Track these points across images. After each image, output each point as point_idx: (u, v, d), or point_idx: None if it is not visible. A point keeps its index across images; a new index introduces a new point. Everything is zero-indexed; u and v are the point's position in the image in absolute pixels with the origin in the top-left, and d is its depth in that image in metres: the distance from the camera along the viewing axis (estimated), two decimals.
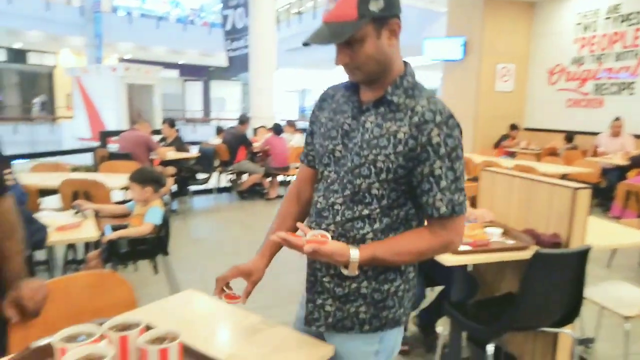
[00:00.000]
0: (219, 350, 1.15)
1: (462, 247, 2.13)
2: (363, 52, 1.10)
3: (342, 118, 1.22)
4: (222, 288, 1.28)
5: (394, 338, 1.28)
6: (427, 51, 9.20)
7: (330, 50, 1.14)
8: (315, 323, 1.27)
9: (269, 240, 1.32)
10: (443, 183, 1.12)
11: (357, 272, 1.14)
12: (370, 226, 1.18)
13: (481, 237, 2.19)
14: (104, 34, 16.18)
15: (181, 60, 22.29)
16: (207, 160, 6.34)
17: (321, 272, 1.25)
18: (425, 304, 2.71)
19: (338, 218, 1.21)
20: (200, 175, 6.35)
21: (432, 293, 2.87)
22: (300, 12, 18.75)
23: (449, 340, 2.37)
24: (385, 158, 1.13)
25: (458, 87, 8.79)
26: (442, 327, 2.40)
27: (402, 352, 2.69)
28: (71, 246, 3.60)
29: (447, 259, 2.05)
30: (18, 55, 19.88)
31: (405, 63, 1.20)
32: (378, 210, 1.18)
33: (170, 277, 3.04)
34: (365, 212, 1.18)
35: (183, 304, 1.49)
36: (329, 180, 1.23)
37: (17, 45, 18.63)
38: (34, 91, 19.90)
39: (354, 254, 1.12)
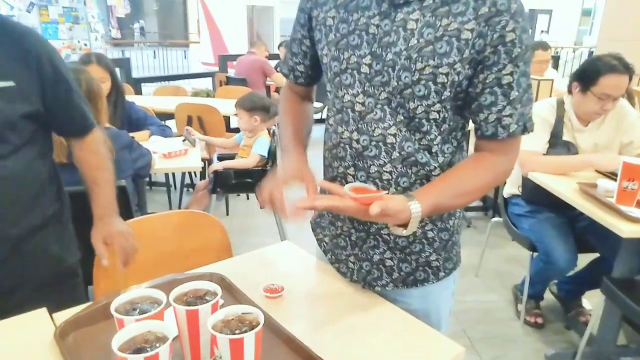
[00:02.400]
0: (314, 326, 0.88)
1: None
2: None
3: (364, 17, 0.89)
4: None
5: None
6: None
7: None
8: (378, 282, 1.05)
9: (296, 142, 1.07)
10: (514, 93, 0.86)
11: (415, 230, 0.86)
12: (435, 160, 0.94)
13: None
14: None
15: None
16: (322, 88, 6.04)
17: (377, 224, 0.99)
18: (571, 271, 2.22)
19: (395, 154, 0.92)
20: (316, 104, 6.11)
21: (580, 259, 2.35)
22: None
23: (601, 322, 1.92)
24: (450, 69, 0.84)
25: (630, 2, 7.12)
26: (591, 303, 1.93)
27: (535, 325, 2.27)
28: None
29: (625, 229, 1.53)
30: None
31: None
32: (439, 138, 0.93)
33: (274, 211, 2.89)
34: (425, 142, 0.92)
35: (279, 257, 1.25)
36: (361, 108, 0.93)
37: None
38: (171, 17, 21.32)
39: (415, 206, 0.83)
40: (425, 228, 1.00)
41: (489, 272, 2.79)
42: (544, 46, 3.93)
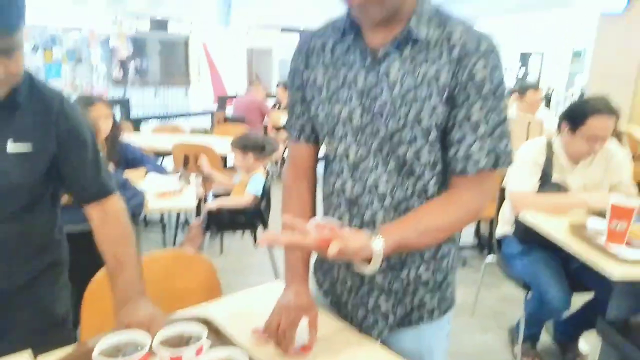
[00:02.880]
0: None
1: (635, 255, 1.58)
2: None
3: (351, 73, 0.94)
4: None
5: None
6: (578, 2, 7.81)
7: None
8: (374, 328, 1.05)
9: (295, 258, 1.08)
10: (482, 129, 0.88)
11: (377, 268, 0.85)
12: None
13: None
14: (232, 0, 16.79)
15: (302, 26, 22.50)
16: None
17: None
18: (567, 312, 2.20)
19: (387, 201, 0.95)
20: None
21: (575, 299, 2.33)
22: None
23: None
24: (432, 111, 0.88)
25: (615, 45, 7.35)
26: (588, 344, 1.90)
27: None
28: None
29: (615, 272, 1.53)
30: (160, 25, 21.87)
31: None
32: (434, 180, 0.95)
33: (269, 250, 2.89)
34: (419, 185, 0.95)
35: (269, 297, 1.24)
36: (354, 158, 0.96)
37: (159, 16, 20.44)
38: (172, 58, 21.90)
39: (378, 244, 0.83)
40: (420, 270, 1.01)
41: (484, 312, 2.75)
42: (535, 87, 4.04)
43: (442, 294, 1.06)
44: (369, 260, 0.83)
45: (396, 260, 1.01)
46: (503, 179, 2.27)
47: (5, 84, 0.96)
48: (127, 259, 1.10)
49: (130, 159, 2.58)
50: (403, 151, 0.92)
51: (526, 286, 2.13)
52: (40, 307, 1.18)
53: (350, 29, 0.94)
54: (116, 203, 1.18)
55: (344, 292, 1.07)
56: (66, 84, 6.03)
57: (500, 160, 0.90)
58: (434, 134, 0.90)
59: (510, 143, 0.92)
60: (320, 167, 1.09)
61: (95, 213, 1.14)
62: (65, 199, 1.57)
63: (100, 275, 1.25)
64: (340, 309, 1.11)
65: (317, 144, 1.10)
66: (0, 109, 0.99)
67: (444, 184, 0.96)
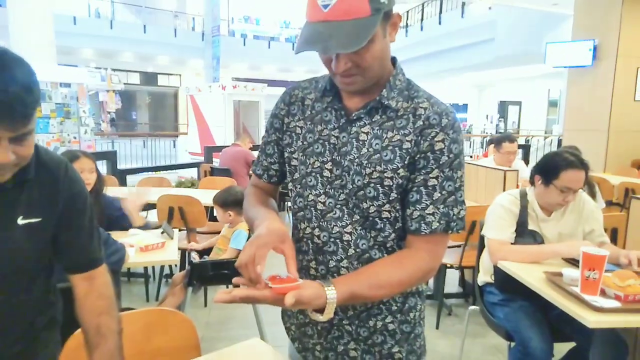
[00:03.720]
0: None
1: (609, 303, 1.61)
2: (370, 55, 0.90)
3: (326, 130, 1.03)
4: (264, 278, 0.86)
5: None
6: (550, 58, 8.24)
7: None
8: None
9: (268, 211, 1.02)
10: (437, 195, 0.96)
11: (332, 316, 0.88)
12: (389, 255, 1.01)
13: (638, 291, 1.64)
14: (221, 55, 17.38)
15: (289, 78, 23.25)
16: None
17: (338, 315, 1.04)
18: None
19: (351, 251, 1.01)
20: None
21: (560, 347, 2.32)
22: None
23: None
24: (393, 174, 0.96)
25: (586, 97, 7.69)
26: None
27: None
28: None
29: (591, 319, 1.55)
30: (150, 78, 22.36)
31: (393, 58, 1.01)
32: (393, 235, 1.01)
33: (253, 305, 2.86)
34: (380, 239, 1.01)
35: (246, 356, 1.24)
36: (323, 207, 1.02)
37: (149, 69, 20.96)
38: (162, 109, 22.27)
39: (331, 293, 0.86)
40: (386, 320, 1.05)
41: None
42: (511, 139, 4.17)
43: (410, 346, 1.08)
44: (322, 310, 0.86)
45: (362, 309, 1.04)
46: (482, 228, 2.32)
47: (16, 167, 0.97)
48: (108, 332, 1.10)
49: (114, 216, 2.60)
50: (366, 206, 0.99)
51: (509, 336, 2.13)
52: None
53: (330, 89, 1.03)
54: (103, 275, 1.18)
55: (314, 334, 1.09)
56: (53, 138, 6.07)
57: (451, 224, 0.97)
58: (393, 194, 0.98)
59: (464, 210, 0.99)
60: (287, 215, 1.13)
61: (80, 283, 1.14)
62: None
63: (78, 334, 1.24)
64: (307, 354, 1.12)
65: (278, 184, 1.17)
66: (10, 189, 1.00)
67: (402, 239, 1.03)
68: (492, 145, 4.39)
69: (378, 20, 0.87)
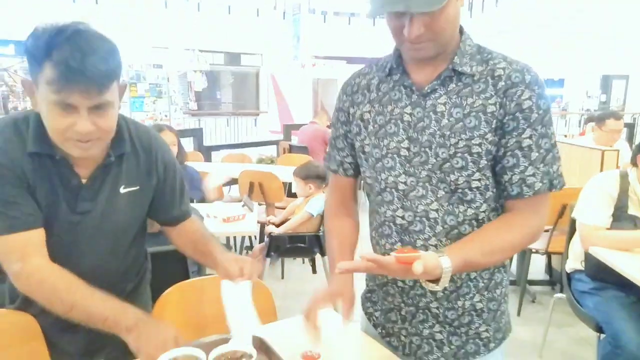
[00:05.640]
0: None
1: None
2: (444, 18, 0.88)
3: (397, 108, 1.00)
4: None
5: None
6: None
7: None
8: (429, 357, 1.06)
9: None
10: (534, 154, 0.93)
11: (447, 284, 0.89)
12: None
13: None
14: (301, 33, 17.52)
15: (368, 54, 22.88)
16: None
17: (425, 298, 1.03)
18: None
19: (439, 228, 0.99)
20: None
21: None
22: None
23: None
24: (482, 140, 0.93)
25: None
26: None
27: None
28: None
29: None
30: (233, 58, 23.25)
31: (460, 27, 0.98)
32: (484, 206, 0.98)
33: (327, 277, 2.92)
34: (470, 212, 0.97)
35: (322, 324, 1.28)
36: (404, 187, 1.00)
37: (232, 50, 21.78)
38: (244, 89, 23.14)
39: (446, 262, 0.87)
40: (474, 299, 1.03)
41: (554, 354, 2.57)
42: (617, 116, 3.77)
43: (497, 324, 1.07)
44: (436, 281, 0.88)
45: (451, 290, 1.02)
46: (572, 211, 2.16)
47: (101, 142, 1.04)
48: (212, 246, 1.24)
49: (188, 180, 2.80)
50: (454, 178, 0.96)
51: (598, 327, 1.98)
52: None
53: (396, 67, 1.00)
54: (193, 224, 1.31)
55: (398, 320, 1.09)
56: (147, 116, 6.55)
57: (554, 182, 0.95)
58: (483, 161, 0.94)
59: (561, 167, 0.96)
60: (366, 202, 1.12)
61: (174, 232, 1.30)
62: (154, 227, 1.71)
63: (168, 293, 1.36)
64: (392, 339, 1.12)
65: (355, 176, 1.16)
66: (113, 164, 1.11)
67: (494, 210, 1.00)
68: (591, 124, 4.03)
69: None
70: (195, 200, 2.81)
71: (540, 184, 0.94)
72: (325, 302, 1.01)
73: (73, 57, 0.90)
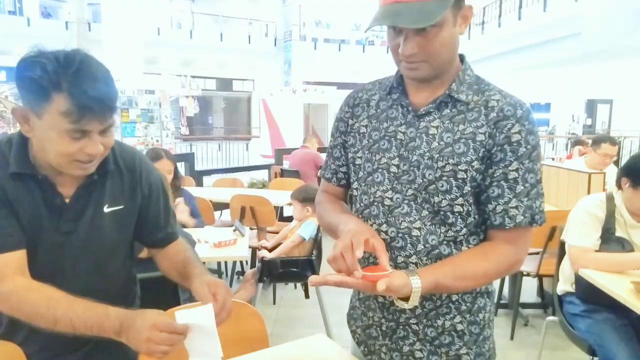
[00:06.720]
0: None
1: None
2: (439, 40, 0.92)
3: (392, 126, 1.03)
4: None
5: None
6: None
7: None
8: None
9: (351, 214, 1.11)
10: (519, 188, 0.96)
11: (417, 304, 0.92)
12: (459, 251, 1.00)
13: None
14: (292, 60, 17.78)
15: (359, 80, 23.27)
16: None
17: (405, 314, 1.04)
18: None
19: (420, 247, 1.00)
20: None
21: None
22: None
23: None
24: (467, 167, 0.96)
25: None
26: None
27: None
28: None
29: None
30: (225, 84, 23.46)
31: (461, 55, 1.03)
32: (464, 230, 1.00)
33: (320, 302, 2.89)
34: (450, 234, 0.99)
35: (312, 351, 1.27)
36: (390, 203, 1.02)
37: (224, 75, 22.00)
38: (236, 114, 23.27)
39: (416, 282, 0.90)
40: (455, 320, 1.03)
41: None
42: (612, 141, 3.82)
43: (478, 349, 1.06)
44: (406, 299, 0.91)
45: (429, 308, 1.03)
46: (562, 233, 2.18)
47: (101, 158, 1.07)
48: (191, 264, 1.19)
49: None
50: (437, 200, 0.98)
51: (591, 350, 1.97)
52: (120, 352, 1.20)
53: (397, 86, 1.04)
54: (178, 246, 1.29)
55: (379, 336, 1.09)
56: (139, 141, 6.55)
57: (535, 217, 0.97)
58: (467, 187, 0.97)
59: (543, 204, 0.98)
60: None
61: (160, 255, 1.28)
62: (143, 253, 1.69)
63: None
64: (373, 357, 1.12)
65: (347, 187, 1.18)
66: (97, 180, 1.11)
67: (473, 234, 1.02)
68: (578, 147, 4.10)
69: (449, 4, 0.90)
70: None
71: (522, 217, 0.96)
72: (359, 243, 0.91)
73: (90, 87, 0.93)
